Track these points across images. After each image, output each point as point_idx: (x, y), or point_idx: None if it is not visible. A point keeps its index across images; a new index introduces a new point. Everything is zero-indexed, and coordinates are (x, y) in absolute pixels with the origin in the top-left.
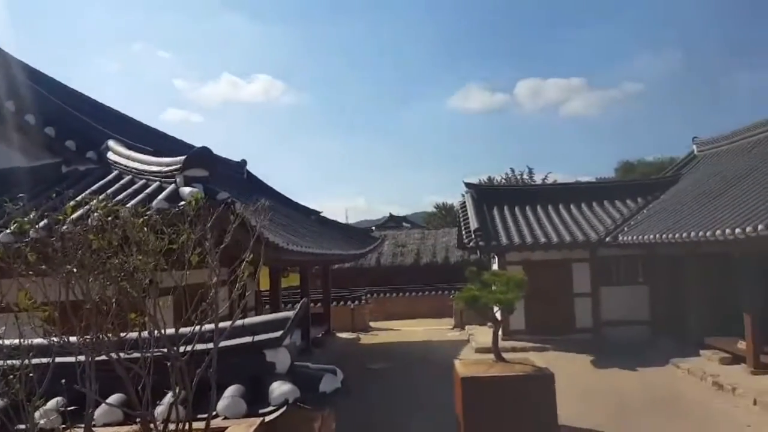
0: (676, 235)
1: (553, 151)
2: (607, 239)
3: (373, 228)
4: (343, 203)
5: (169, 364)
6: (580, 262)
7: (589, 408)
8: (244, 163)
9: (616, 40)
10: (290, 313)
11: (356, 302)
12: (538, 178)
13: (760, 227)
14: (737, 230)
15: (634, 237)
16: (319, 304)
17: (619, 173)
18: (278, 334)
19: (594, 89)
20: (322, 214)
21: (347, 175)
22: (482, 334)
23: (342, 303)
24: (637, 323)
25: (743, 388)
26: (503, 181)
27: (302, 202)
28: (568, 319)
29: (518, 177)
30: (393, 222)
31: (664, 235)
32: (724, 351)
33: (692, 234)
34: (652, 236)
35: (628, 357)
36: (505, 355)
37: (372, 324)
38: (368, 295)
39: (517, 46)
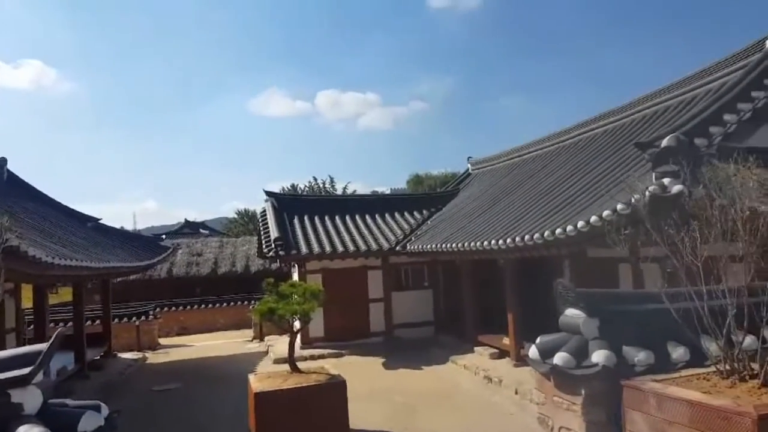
0: (453, 245)
1: (353, 161)
2: (397, 248)
3: (164, 236)
4: (131, 207)
5: None
6: (375, 270)
7: (379, 408)
8: (3, 161)
9: (403, 60)
10: (42, 346)
11: (143, 318)
12: (339, 187)
13: (518, 239)
14: (500, 241)
15: (419, 246)
16: (98, 322)
17: (410, 185)
18: (27, 370)
19: (387, 105)
20: (101, 221)
21: (136, 176)
22: (282, 344)
23: (126, 319)
24: (423, 324)
25: (507, 380)
26: (306, 189)
27: (80, 207)
28: (363, 323)
29: (321, 186)
30: (189, 228)
31: (443, 245)
32: (493, 347)
33: (465, 244)
34: (433, 245)
35: (415, 356)
36: (303, 363)
37: (162, 341)
38: (157, 309)
39: (315, 57)
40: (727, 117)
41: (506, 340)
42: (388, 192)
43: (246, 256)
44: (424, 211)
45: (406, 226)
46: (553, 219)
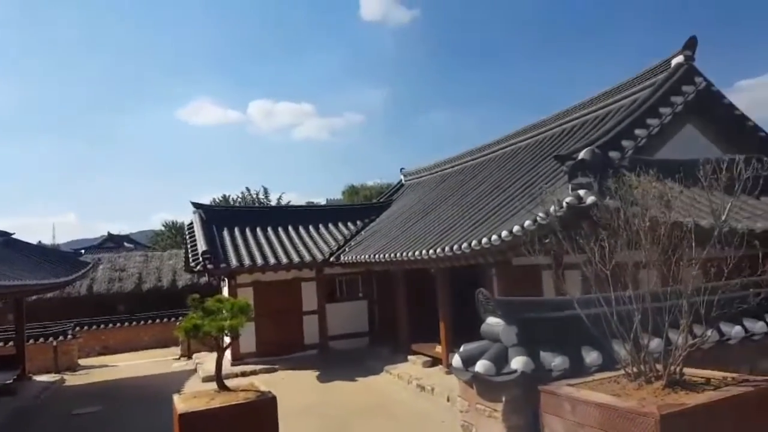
0: (386, 255)
1: (288, 172)
2: (331, 259)
3: (83, 251)
4: (50, 220)
5: None
6: (309, 281)
7: (312, 423)
8: None
9: (337, 71)
10: None
11: (60, 338)
12: (273, 198)
13: (447, 249)
14: (431, 251)
15: (353, 257)
16: (11, 343)
17: (345, 196)
18: None
19: (323, 116)
20: (13, 236)
21: (55, 186)
22: (211, 362)
23: (42, 340)
24: (358, 335)
25: (439, 388)
26: (239, 200)
27: None
28: (297, 337)
29: (254, 196)
30: (112, 242)
31: (376, 255)
32: (426, 355)
33: (398, 254)
34: (367, 256)
35: (349, 368)
36: (233, 380)
37: (83, 362)
38: (77, 329)
39: (245, 67)
40: (637, 131)
41: (438, 348)
42: (323, 203)
43: (173, 270)
44: (359, 222)
45: (340, 237)
46: (480, 229)
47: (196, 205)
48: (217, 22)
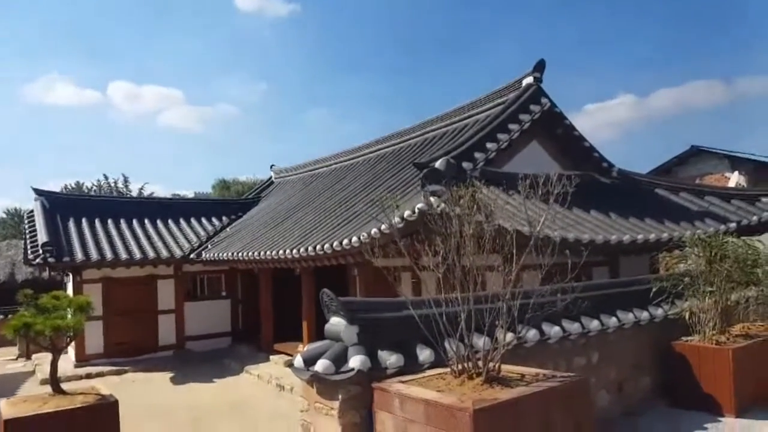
0: (250, 254)
1: (153, 161)
2: (192, 256)
3: None
4: None
5: None
6: (166, 279)
7: (160, 427)
8: None
9: (208, 59)
10: None
11: None
12: (135, 188)
13: (309, 249)
14: (294, 251)
15: (216, 254)
16: None
17: (216, 190)
18: None
19: (193, 104)
20: None
21: None
22: None
23: None
24: (219, 335)
25: (298, 387)
26: (94, 188)
27: None
28: (151, 337)
29: (112, 185)
30: None
31: (241, 253)
32: (289, 354)
33: (262, 252)
34: (230, 254)
35: (207, 369)
36: (77, 383)
37: None
38: None
39: (102, 43)
40: (489, 145)
41: (301, 347)
42: (191, 196)
43: (11, 262)
44: (224, 218)
45: (203, 233)
46: (341, 231)
47: (39, 192)
48: None
